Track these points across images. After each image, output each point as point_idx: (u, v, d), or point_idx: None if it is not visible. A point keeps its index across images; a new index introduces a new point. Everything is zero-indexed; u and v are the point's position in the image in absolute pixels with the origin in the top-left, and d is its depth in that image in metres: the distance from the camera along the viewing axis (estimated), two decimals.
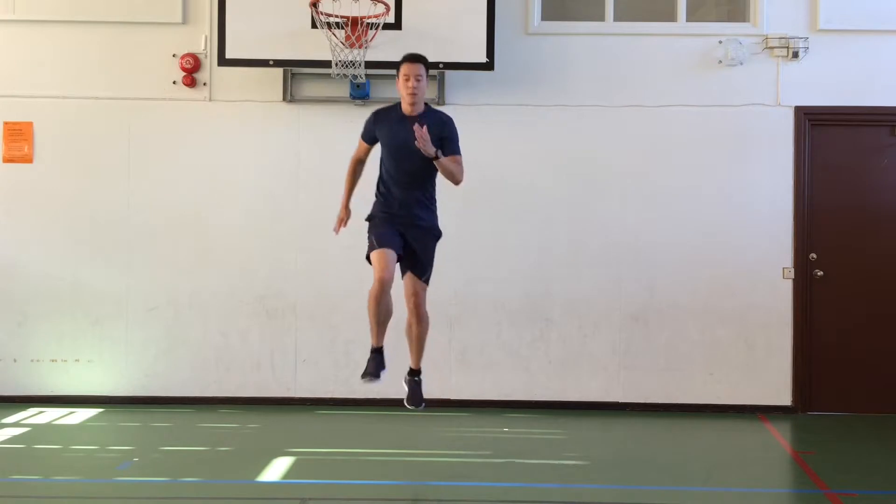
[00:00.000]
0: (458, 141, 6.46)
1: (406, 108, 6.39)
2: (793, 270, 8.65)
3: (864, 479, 6.65)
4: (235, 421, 8.16)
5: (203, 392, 8.71)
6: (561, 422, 8.27)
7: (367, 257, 6.39)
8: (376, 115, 6.54)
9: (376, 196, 6.51)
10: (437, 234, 6.52)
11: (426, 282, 6.47)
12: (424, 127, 6.11)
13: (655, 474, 6.72)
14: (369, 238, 6.43)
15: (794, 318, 8.64)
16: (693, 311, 8.66)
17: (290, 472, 6.60)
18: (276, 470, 6.65)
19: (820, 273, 8.69)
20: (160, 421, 8.13)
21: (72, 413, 8.31)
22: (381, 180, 6.50)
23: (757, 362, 8.65)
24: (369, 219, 6.49)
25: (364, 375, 6.47)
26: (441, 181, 6.44)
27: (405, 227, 6.39)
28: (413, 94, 6.33)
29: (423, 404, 6.58)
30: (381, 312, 6.34)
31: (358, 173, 6.65)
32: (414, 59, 6.39)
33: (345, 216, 6.57)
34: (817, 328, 8.68)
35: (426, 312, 6.43)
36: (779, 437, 7.93)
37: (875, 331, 8.69)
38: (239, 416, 8.33)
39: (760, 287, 8.64)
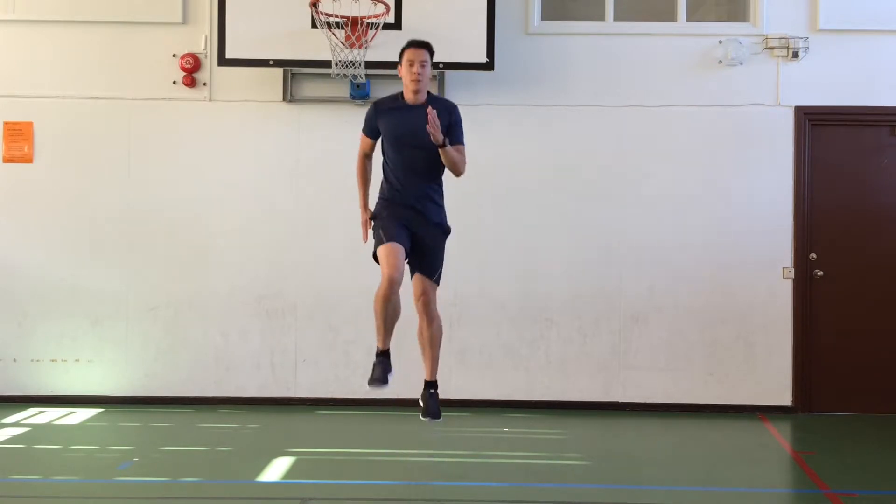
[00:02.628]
0: (462, 129, 6.21)
1: (409, 95, 6.12)
2: (793, 270, 8.65)
3: (864, 479, 6.66)
4: (235, 421, 8.16)
5: (203, 392, 8.71)
6: (561, 422, 8.27)
7: (374, 256, 6.08)
8: (377, 105, 6.24)
9: (381, 193, 6.24)
10: (446, 230, 6.21)
11: (436, 282, 6.16)
12: (434, 111, 5.83)
13: (655, 474, 6.72)
14: (375, 234, 6.10)
15: (794, 318, 8.64)
16: (693, 311, 8.66)
17: (290, 472, 6.61)
18: (276, 470, 6.65)
19: (820, 273, 8.69)
20: (160, 421, 8.13)
21: (72, 413, 8.32)
22: (385, 176, 6.23)
23: (757, 362, 8.66)
24: (374, 217, 6.18)
25: (371, 382, 6.20)
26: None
27: (412, 223, 6.09)
28: (417, 81, 6.05)
29: (441, 417, 6.25)
30: (388, 313, 5.99)
31: (368, 170, 6.32)
32: (419, 44, 6.13)
33: (367, 218, 6.21)
34: (817, 328, 8.68)
35: (438, 314, 6.13)
36: (779, 437, 7.93)
37: (875, 331, 8.69)
38: (239, 416, 8.34)
39: (760, 287, 8.64)
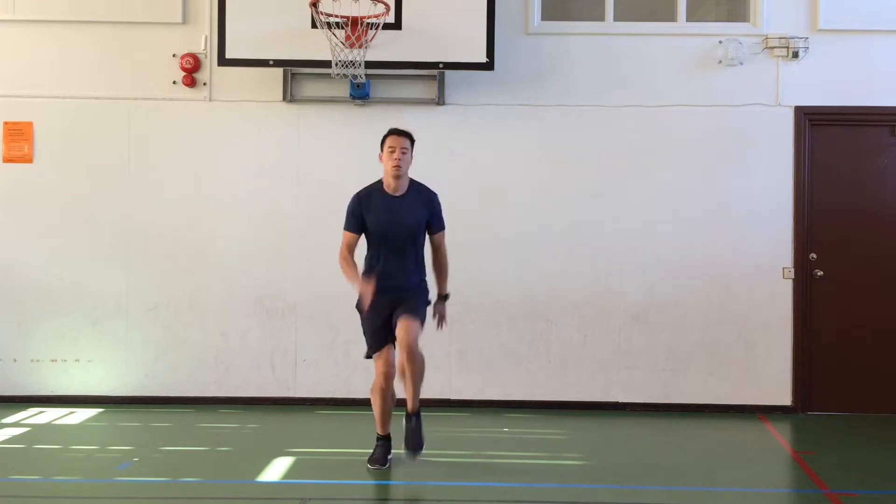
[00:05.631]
0: (442, 216, 6.58)
1: (390, 182, 6.40)
2: (793, 270, 8.65)
3: (864, 479, 6.66)
4: (235, 421, 8.16)
5: (203, 392, 8.71)
6: (561, 422, 8.27)
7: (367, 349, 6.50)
8: (360, 200, 6.47)
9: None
10: (427, 300, 6.52)
11: (418, 318, 6.33)
12: (444, 323, 6.61)
13: (655, 474, 6.72)
14: (364, 334, 6.46)
15: (794, 318, 8.64)
16: (693, 311, 8.66)
17: (290, 472, 6.60)
18: (276, 470, 6.65)
19: (820, 273, 8.69)
20: (160, 421, 8.13)
21: (72, 413, 8.31)
22: (369, 265, 6.47)
23: (757, 362, 8.66)
24: (358, 307, 6.44)
25: (371, 462, 6.53)
26: None
27: (395, 303, 6.36)
28: (398, 167, 6.36)
29: (424, 447, 6.54)
30: (385, 403, 6.44)
31: (353, 260, 6.50)
32: (399, 133, 6.44)
33: (367, 285, 6.28)
34: (817, 328, 8.68)
35: (421, 353, 6.34)
36: (779, 437, 7.93)
37: (875, 331, 8.69)
38: (239, 416, 8.33)
39: (760, 287, 8.64)
